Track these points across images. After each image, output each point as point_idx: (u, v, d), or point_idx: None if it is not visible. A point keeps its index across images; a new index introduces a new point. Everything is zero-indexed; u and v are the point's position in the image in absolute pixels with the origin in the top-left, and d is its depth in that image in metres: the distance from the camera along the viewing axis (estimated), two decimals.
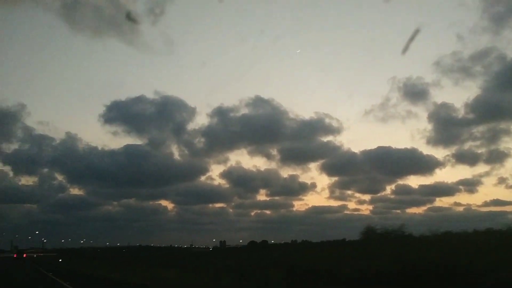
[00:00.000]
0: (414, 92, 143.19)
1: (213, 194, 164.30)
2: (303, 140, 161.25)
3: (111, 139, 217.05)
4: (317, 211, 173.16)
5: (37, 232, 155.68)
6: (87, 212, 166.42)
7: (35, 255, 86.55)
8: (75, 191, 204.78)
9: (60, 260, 56.69)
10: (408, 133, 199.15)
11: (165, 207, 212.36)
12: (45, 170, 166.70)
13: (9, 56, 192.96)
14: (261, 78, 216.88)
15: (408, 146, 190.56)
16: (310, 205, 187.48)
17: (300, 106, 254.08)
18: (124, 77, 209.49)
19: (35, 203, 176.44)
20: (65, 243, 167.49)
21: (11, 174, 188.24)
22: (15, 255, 76.94)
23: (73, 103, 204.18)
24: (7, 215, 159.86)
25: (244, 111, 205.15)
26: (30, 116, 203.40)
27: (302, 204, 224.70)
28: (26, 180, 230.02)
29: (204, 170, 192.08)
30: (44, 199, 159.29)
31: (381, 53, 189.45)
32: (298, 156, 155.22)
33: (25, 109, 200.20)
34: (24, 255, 78.00)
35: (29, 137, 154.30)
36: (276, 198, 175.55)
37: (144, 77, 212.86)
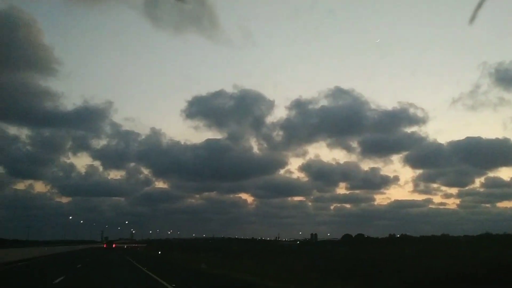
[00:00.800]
0: (507, 78, 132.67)
1: (292, 188, 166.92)
2: (385, 132, 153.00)
3: (192, 134, 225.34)
4: (400, 205, 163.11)
5: (126, 222, 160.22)
6: (171, 205, 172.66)
7: (125, 246, 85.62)
8: (160, 184, 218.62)
9: (160, 252, 51.93)
10: (500, 122, 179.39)
11: (245, 200, 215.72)
12: (132, 164, 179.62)
13: (96, 55, 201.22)
14: (341, 68, 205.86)
15: (500, 136, 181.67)
16: (393, 199, 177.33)
17: (382, 96, 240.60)
18: (205, 72, 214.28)
19: (123, 196, 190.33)
20: (152, 234, 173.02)
21: (101, 168, 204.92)
22: (104, 245, 76.38)
23: (157, 99, 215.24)
24: (98, 208, 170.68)
25: (323, 102, 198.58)
26: (117, 113, 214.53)
27: (384, 198, 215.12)
28: (115, 174, 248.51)
29: (282, 163, 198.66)
30: (131, 192, 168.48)
31: (470, 37, 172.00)
32: (380, 148, 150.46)
33: (113, 106, 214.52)
34: (114, 245, 77.01)
35: (117, 133, 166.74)
36: (357, 191, 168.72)
37: (223, 71, 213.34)
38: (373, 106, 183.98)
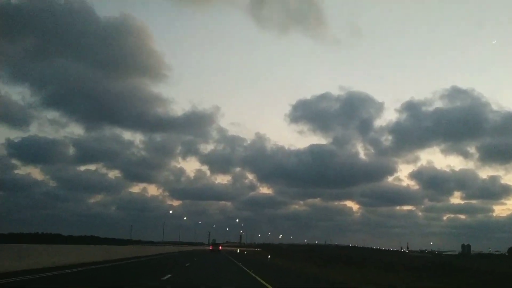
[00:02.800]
0: None
1: (401, 196, 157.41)
2: (509, 136, 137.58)
3: (297, 138, 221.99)
4: None
5: (237, 221, 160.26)
6: (275, 210, 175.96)
7: (238, 250, 79.84)
8: (264, 189, 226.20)
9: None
10: None
11: (350, 208, 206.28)
12: (238, 169, 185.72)
13: (203, 60, 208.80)
14: (457, 66, 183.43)
15: None
16: None
17: (505, 96, 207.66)
18: (310, 73, 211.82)
19: (229, 200, 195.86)
20: (260, 238, 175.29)
21: (208, 173, 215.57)
22: (211, 247, 75.26)
23: (261, 103, 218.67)
24: (206, 211, 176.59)
25: (438, 104, 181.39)
26: (224, 118, 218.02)
27: (504, 209, 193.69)
28: (221, 179, 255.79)
29: (391, 170, 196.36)
30: (237, 196, 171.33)
31: None
32: (502, 154, 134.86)
33: (220, 111, 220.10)
34: (220, 247, 75.77)
35: (223, 138, 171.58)
36: (473, 201, 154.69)
37: (329, 72, 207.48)
38: (495, 107, 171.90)
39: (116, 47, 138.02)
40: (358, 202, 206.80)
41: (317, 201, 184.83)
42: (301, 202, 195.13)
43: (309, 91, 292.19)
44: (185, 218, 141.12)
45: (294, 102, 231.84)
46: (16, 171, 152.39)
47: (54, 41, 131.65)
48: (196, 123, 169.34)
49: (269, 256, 46.13)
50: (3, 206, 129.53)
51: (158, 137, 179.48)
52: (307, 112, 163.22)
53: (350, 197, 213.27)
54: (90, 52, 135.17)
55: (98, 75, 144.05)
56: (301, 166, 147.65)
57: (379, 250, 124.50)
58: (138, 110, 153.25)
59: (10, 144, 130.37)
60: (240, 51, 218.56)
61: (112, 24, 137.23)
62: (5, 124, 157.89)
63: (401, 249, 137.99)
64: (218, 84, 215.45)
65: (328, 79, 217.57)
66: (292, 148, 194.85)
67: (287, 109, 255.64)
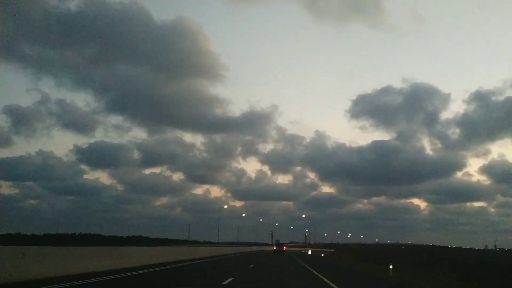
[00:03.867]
0: None
1: (471, 192, 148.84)
2: None
3: (358, 135, 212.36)
4: None
5: (303, 216, 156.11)
6: (338, 209, 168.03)
7: (308, 251, 67.79)
8: (326, 188, 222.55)
9: None
10: None
11: (417, 206, 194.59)
12: (298, 168, 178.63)
13: (259, 58, 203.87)
14: None
15: None
16: None
17: None
18: (370, 66, 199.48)
19: (291, 200, 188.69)
20: (326, 238, 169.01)
21: (269, 173, 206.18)
22: (274, 248, 71.12)
23: (320, 99, 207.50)
24: (268, 212, 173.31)
25: (509, 93, 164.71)
26: (282, 116, 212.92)
27: None
28: (282, 179, 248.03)
29: (460, 164, 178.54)
30: (299, 196, 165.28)
31: None
32: None
33: (277, 109, 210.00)
34: (284, 248, 70.88)
35: (282, 137, 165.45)
36: None
37: (390, 63, 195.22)
38: None
39: (173, 50, 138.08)
40: (426, 200, 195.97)
41: (382, 199, 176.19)
42: (365, 201, 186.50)
43: (370, 85, 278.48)
44: (243, 215, 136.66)
45: (354, 97, 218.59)
46: (85, 176, 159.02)
47: (113, 47, 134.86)
48: (254, 123, 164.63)
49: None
50: (75, 210, 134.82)
51: (218, 138, 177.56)
52: (368, 107, 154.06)
53: (416, 195, 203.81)
54: (149, 56, 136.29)
55: (157, 78, 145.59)
56: (363, 163, 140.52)
57: (463, 249, 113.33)
58: (197, 112, 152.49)
59: (78, 150, 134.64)
60: (296, 46, 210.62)
61: (168, 27, 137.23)
62: (72, 130, 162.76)
63: (486, 247, 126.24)
64: (275, 82, 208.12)
65: (389, 71, 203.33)
66: (354, 145, 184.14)
67: (347, 104, 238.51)
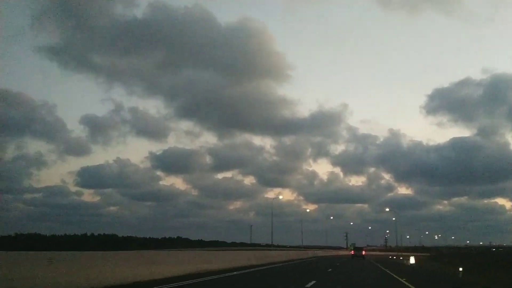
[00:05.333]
0: None
1: None
2: None
3: (435, 132, 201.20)
4: None
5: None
6: (416, 211, 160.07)
7: (411, 260, 43.01)
8: (403, 190, 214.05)
9: None
10: None
11: (502, 206, 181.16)
12: (372, 169, 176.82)
13: (325, 55, 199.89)
14: None
15: None
16: None
17: None
18: (446, 57, 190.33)
19: (366, 202, 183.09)
20: (408, 240, 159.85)
21: (341, 175, 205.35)
22: (352, 252, 65.99)
23: (393, 95, 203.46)
24: (341, 215, 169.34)
25: None
26: (353, 116, 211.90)
27: None
28: (355, 180, 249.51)
29: None
30: (374, 198, 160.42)
31: None
32: None
33: (348, 108, 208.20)
34: (363, 252, 64.58)
35: (354, 137, 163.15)
36: None
37: (468, 54, 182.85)
38: None
39: (239, 52, 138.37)
40: None
41: (463, 199, 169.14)
42: (445, 202, 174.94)
43: (447, 78, 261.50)
44: (316, 223, 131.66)
45: (430, 92, 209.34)
46: (161, 182, 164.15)
47: (180, 52, 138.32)
48: (324, 123, 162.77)
49: None
50: (153, 215, 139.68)
51: (287, 140, 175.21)
52: (446, 102, 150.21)
53: (501, 194, 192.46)
54: (215, 59, 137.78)
55: (224, 81, 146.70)
56: (442, 162, 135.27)
57: None
58: (266, 114, 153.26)
59: (153, 156, 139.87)
60: (366, 40, 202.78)
61: (233, 29, 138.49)
62: (146, 137, 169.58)
63: None
64: (344, 80, 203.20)
65: (468, 62, 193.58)
66: (431, 143, 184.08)
67: (423, 100, 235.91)
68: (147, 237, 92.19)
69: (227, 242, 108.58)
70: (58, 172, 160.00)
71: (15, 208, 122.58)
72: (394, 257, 66.35)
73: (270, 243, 71.78)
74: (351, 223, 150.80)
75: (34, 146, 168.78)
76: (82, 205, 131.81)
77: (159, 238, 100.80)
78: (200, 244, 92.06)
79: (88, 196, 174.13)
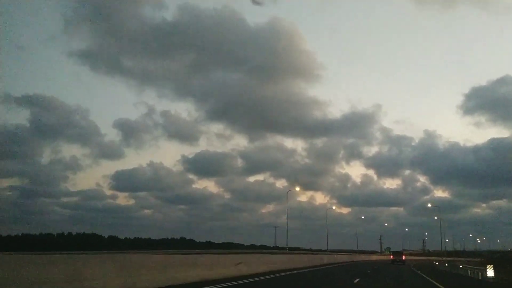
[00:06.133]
0: None
1: None
2: None
3: (473, 132, 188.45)
4: None
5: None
6: (453, 215, 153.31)
7: (488, 271, 31.20)
8: (439, 192, 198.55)
9: None
10: None
11: None
12: (407, 172, 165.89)
13: (357, 54, 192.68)
14: None
15: None
16: None
17: None
18: (483, 54, 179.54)
19: (401, 205, 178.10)
20: (447, 244, 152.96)
21: (375, 177, 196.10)
22: (391, 257, 62.65)
23: (428, 95, 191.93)
24: (376, 218, 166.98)
25: None
26: (386, 116, 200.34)
27: None
28: (390, 183, 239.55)
29: None
30: (409, 201, 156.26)
31: None
32: None
33: (381, 109, 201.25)
34: (403, 257, 60.89)
35: (388, 139, 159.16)
36: None
37: (507, 50, 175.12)
38: None
39: (269, 52, 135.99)
40: None
41: (502, 202, 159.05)
42: (483, 205, 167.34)
43: (484, 76, 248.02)
44: (350, 227, 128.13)
45: (467, 91, 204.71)
46: (194, 186, 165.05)
47: (209, 54, 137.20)
48: (356, 124, 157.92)
49: None
50: (187, 219, 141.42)
51: (319, 142, 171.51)
52: (484, 101, 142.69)
53: None
54: (244, 60, 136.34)
55: (254, 83, 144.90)
56: (480, 163, 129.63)
57: None
58: (297, 116, 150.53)
59: (185, 160, 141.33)
60: (398, 37, 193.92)
61: (262, 29, 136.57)
62: (177, 141, 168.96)
63: None
64: (377, 79, 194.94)
65: (507, 58, 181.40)
66: (468, 144, 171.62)
67: (459, 99, 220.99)
68: (180, 238, 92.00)
69: (256, 245, 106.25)
70: (93, 176, 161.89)
71: (53, 212, 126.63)
72: (437, 263, 61.90)
73: (286, 246, 68.25)
74: (385, 224, 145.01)
75: (69, 150, 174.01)
76: (117, 208, 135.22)
77: (196, 240, 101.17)
78: (210, 246, 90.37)
79: (123, 199, 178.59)
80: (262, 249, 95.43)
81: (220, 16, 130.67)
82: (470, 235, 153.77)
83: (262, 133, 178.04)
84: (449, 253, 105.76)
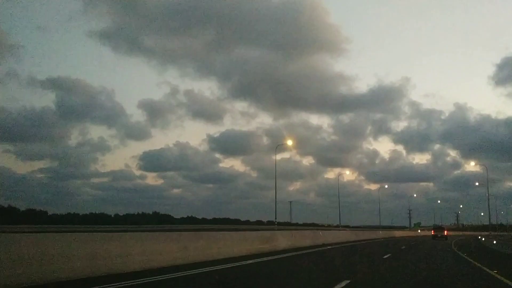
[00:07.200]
0: None
1: None
2: None
3: (506, 104, 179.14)
4: None
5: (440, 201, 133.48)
6: (485, 189, 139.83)
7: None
8: (470, 167, 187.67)
9: None
10: None
11: None
12: (437, 146, 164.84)
13: (385, 25, 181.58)
14: None
15: None
16: None
17: None
18: None
19: (431, 181, 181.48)
20: (482, 218, 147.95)
21: (404, 153, 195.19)
22: (432, 232, 59.14)
23: (458, 67, 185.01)
24: (405, 194, 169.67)
25: None
26: (415, 90, 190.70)
27: None
28: (420, 158, 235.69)
29: None
30: (439, 176, 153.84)
31: None
32: None
33: (410, 82, 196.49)
34: (445, 232, 57.17)
35: (417, 113, 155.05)
36: None
37: None
38: None
39: (292, 27, 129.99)
40: None
41: None
42: None
43: None
44: (379, 203, 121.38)
45: (499, 61, 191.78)
46: (220, 164, 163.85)
47: (231, 30, 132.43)
48: (384, 99, 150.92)
49: None
50: (214, 198, 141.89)
51: (345, 118, 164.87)
52: None
53: None
54: (267, 35, 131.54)
55: (277, 59, 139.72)
56: None
57: None
58: (322, 92, 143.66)
59: (210, 139, 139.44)
60: (425, 5, 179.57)
61: (284, 2, 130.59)
62: (202, 120, 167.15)
63: None
64: (405, 51, 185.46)
65: None
66: (501, 116, 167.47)
67: (491, 70, 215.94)
68: (209, 218, 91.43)
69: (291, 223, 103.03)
70: (121, 157, 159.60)
71: (85, 193, 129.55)
72: (483, 238, 50.77)
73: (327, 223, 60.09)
74: (414, 195, 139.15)
75: (97, 131, 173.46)
76: (147, 188, 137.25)
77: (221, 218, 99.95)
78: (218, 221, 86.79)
79: (151, 179, 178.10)
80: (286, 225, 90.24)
81: None
82: (482, 213, 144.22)
83: (287, 110, 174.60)
84: (486, 227, 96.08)
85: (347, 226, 77.77)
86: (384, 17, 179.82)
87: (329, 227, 75.23)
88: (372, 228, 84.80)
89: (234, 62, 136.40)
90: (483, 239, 48.64)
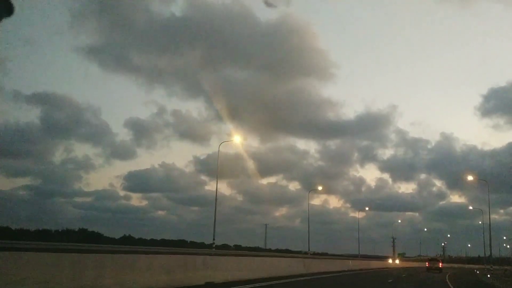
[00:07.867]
0: None
1: None
2: None
3: (491, 135, 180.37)
4: None
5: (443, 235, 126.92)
6: (470, 221, 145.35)
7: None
8: (455, 198, 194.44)
9: None
10: None
11: None
12: (423, 175, 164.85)
13: (373, 53, 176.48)
14: None
15: None
16: None
17: None
18: (503, 53, 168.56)
19: (416, 211, 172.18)
20: (469, 250, 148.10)
21: (390, 181, 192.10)
22: (427, 264, 59.06)
23: (445, 96, 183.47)
24: (390, 223, 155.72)
25: None
26: (402, 118, 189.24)
27: None
28: (405, 188, 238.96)
29: None
30: (424, 206, 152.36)
31: None
32: None
33: (397, 110, 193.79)
34: (440, 264, 56.46)
35: (403, 141, 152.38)
36: None
37: None
38: None
39: (280, 50, 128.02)
40: None
41: None
42: (501, 211, 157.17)
43: (504, 76, 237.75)
44: (364, 231, 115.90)
45: (485, 92, 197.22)
46: (206, 187, 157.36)
47: (219, 50, 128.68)
48: (371, 126, 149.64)
49: None
50: (199, 220, 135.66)
51: (332, 144, 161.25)
52: (503, 102, 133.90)
53: None
54: (255, 58, 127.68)
55: (265, 82, 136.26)
56: (499, 168, 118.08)
57: None
58: (309, 116, 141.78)
59: (197, 161, 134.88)
60: (414, 35, 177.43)
61: (273, 25, 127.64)
62: (189, 141, 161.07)
63: None
64: (393, 79, 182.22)
65: None
66: (486, 147, 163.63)
67: (477, 100, 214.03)
68: (194, 241, 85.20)
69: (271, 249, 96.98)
70: (106, 176, 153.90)
71: (68, 211, 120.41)
72: (478, 271, 43.36)
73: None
74: (399, 221, 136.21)
75: (81, 149, 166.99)
76: (131, 209, 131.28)
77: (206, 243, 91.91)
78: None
79: (136, 200, 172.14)
80: (258, 251, 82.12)
81: (230, 11, 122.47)
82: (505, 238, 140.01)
83: (274, 134, 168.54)
84: (471, 260, 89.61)
85: (318, 254, 70.84)
86: (373, 44, 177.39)
87: (302, 254, 67.78)
88: (349, 257, 75.91)
89: (221, 83, 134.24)
90: (478, 272, 48.49)
